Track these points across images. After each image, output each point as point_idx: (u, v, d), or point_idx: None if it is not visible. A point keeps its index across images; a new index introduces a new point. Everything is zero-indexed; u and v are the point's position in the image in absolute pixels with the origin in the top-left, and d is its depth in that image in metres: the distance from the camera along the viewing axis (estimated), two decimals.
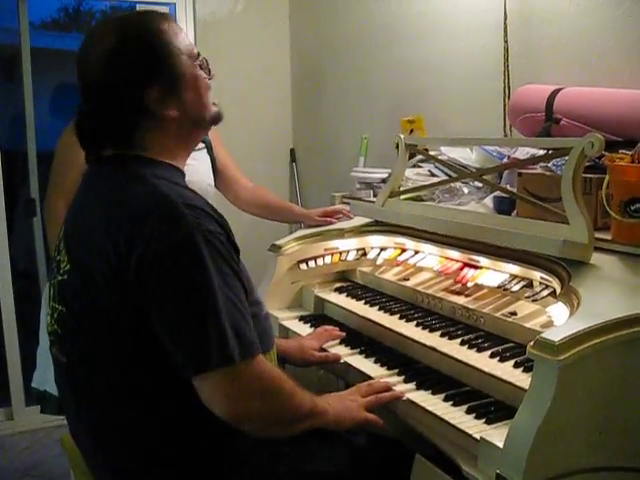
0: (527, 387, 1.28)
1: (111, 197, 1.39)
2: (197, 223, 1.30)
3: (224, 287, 1.30)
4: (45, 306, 1.55)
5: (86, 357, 1.41)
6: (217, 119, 1.59)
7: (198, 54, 1.54)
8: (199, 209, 1.33)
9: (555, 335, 1.24)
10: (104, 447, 1.47)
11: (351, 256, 2.37)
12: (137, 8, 3.86)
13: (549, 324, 1.57)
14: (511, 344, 1.67)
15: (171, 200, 1.32)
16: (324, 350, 1.94)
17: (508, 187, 2.04)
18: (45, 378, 2.52)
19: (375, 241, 2.37)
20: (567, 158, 1.65)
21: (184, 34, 1.53)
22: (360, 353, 1.90)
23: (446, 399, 1.55)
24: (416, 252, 2.21)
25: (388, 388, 1.64)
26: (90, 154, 1.51)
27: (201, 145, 2.55)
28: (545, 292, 1.69)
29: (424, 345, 1.77)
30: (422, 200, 2.36)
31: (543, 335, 1.26)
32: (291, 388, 1.41)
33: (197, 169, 2.48)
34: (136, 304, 1.31)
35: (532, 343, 1.26)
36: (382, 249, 2.33)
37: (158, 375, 1.36)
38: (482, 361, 1.61)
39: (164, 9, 3.89)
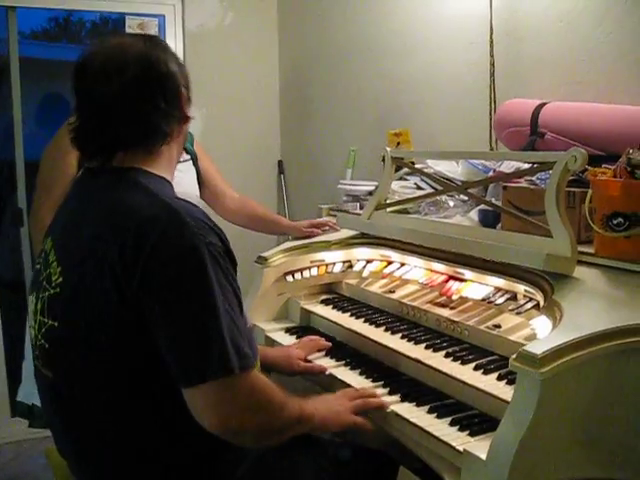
0: (510, 399, 1.29)
1: (114, 206, 1.38)
2: (200, 234, 1.31)
3: (224, 300, 1.30)
4: (30, 320, 1.51)
5: (76, 372, 1.39)
6: None
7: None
8: (201, 221, 1.34)
9: (537, 348, 1.25)
10: (89, 460, 1.46)
11: (337, 268, 2.38)
12: (127, 19, 3.86)
13: (533, 337, 1.58)
14: (495, 356, 1.68)
15: (176, 210, 1.33)
16: (309, 362, 1.94)
17: (493, 200, 2.05)
18: (33, 392, 2.48)
19: (361, 253, 2.38)
20: (551, 172, 1.67)
21: None
22: (345, 365, 1.90)
23: (430, 411, 1.56)
24: (402, 265, 2.22)
25: (375, 395, 1.65)
26: (90, 162, 1.51)
27: (186, 157, 2.56)
28: (529, 305, 1.70)
29: (409, 357, 1.77)
30: (408, 213, 2.37)
31: (525, 348, 1.27)
32: (280, 399, 1.41)
33: (183, 180, 2.49)
34: (137, 313, 1.30)
35: (514, 356, 1.27)
36: (368, 261, 2.34)
37: (149, 392, 1.36)
38: (466, 373, 1.62)
39: (153, 21, 3.91)
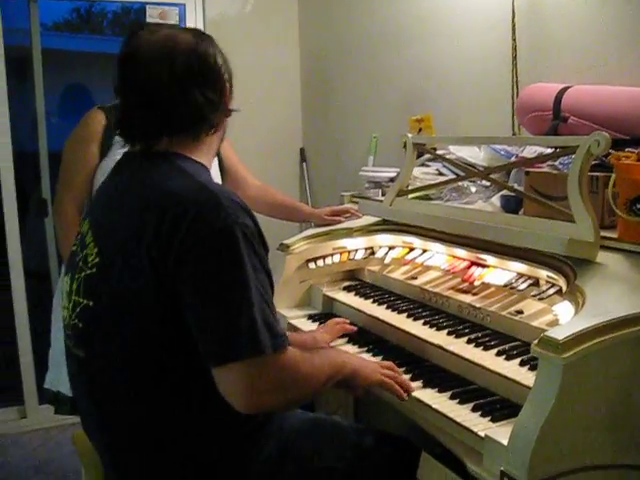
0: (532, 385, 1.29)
1: (152, 189, 1.41)
2: (236, 216, 1.34)
3: (256, 281, 1.33)
4: (63, 301, 1.55)
5: (107, 352, 1.41)
6: None
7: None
8: (237, 204, 1.37)
9: (559, 333, 1.24)
10: (116, 442, 1.48)
11: (359, 255, 2.38)
12: (147, 9, 3.86)
13: (555, 322, 1.57)
14: (517, 342, 1.68)
15: (214, 192, 1.37)
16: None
17: (516, 186, 2.04)
18: (58, 379, 2.52)
19: (383, 240, 2.38)
20: (574, 156, 1.66)
21: None
22: (368, 351, 1.90)
23: (452, 397, 1.56)
24: (424, 251, 2.22)
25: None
26: (132, 147, 1.55)
27: None
28: (551, 290, 1.69)
29: (431, 343, 1.77)
30: (430, 199, 2.36)
31: (547, 333, 1.26)
32: (308, 369, 1.42)
33: None
34: (171, 293, 1.32)
35: (536, 341, 1.27)
36: (390, 248, 2.34)
37: (181, 371, 1.38)
38: (488, 359, 1.62)
39: (174, 9, 3.91)
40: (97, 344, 1.44)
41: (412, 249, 2.27)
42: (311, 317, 2.24)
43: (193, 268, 1.31)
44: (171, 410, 1.40)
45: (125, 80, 1.51)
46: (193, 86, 1.47)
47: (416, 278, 2.18)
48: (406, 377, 1.69)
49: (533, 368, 1.50)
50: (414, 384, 1.66)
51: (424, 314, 1.96)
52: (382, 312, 2.05)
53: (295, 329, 2.19)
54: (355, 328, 2.03)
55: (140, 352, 1.38)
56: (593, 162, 1.69)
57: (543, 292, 1.70)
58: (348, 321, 2.06)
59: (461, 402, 1.53)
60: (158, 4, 3.88)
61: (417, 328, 1.88)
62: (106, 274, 1.41)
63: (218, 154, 2.60)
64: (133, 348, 1.38)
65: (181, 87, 1.46)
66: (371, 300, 2.17)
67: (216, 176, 2.58)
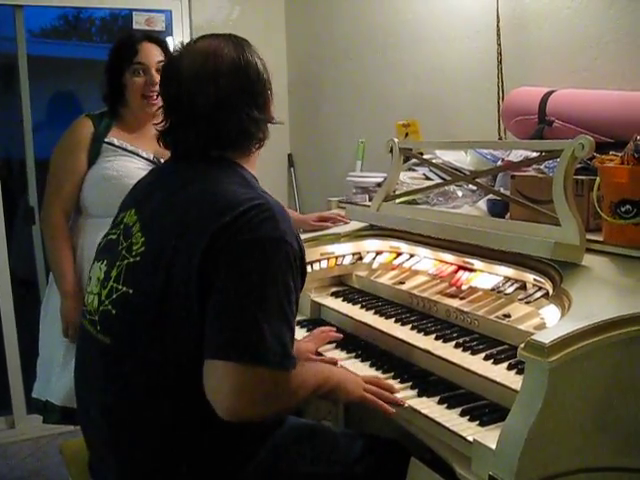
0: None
1: (214, 190, 1.44)
2: (285, 233, 1.38)
3: (284, 298, 1.35)
4: (91, 287, 1.56)
5: (137, 340, 1.41)
6: None
7: None
8: (288, 222, 1.41)
9: (545, 337, 1.24)
10: (119, 436, 1.46)
11: (347, 260, 2.38)
12: (134, 15, 3.87)
13: (542, 326, 1.58)
14: (505, 346, 1.68)
15: (270, 205, 1.40)
16: (320, 354, 1.94)
17: (502, 190, 2.04)
18: (47, 388, 2.50)
19: (370, 245, 2.38)
20: (558, 160, 1.66)
21: None
22: (356, 357, 1.90)
23: (440, 402, 1.56)
24: (411, 255, 2.22)
25: (393, 390, 1.64)
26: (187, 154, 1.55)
27: None
28: (538, 294, 1.69)
29: (419, 348, 1.77)
30: (417, 203, 2.37)
31: (533, 337, 1.26)
32: (296, 382, 1.41)
33: None
34: (208, 286, 1.34)
35: (523, 345, 1.27)
36: (378, 253, 2.34)
37: (197, 372, 1.35)
38: (476, 363, 1.62)
39: (161, 16, 3.91)
40: (127, 331, 1.43)
41: (399, 254, 2.27)
42: (299, 323, 2.23)
43: (234, 268, 1.34)
44: (177, 408, 1.40)
45: (168, 97, 1.53)
46: (238, 105, 1.49)
47: (404, 283, 2.18)
48: (394, 382, 1.69)
49: (520, 372, 1.49)
50: (401, 388, 1.65)
51: (412, 319, 1.96)
52: (370, 317, 2.05)
53: None
54: (341, 336, 2.02)
55: (167, 343, 1.38)
56: (578, 165, 1.70)
57: (530, 295, 1.71)
58: (334, 329, 2.05)
59: (449, 407, 1.53)
60: (145, 11, 3.89)
61: (405, 333, 1.88)
62: (151, 264, 1.42)
63: None
64: (162, 338, 1.38)
65: (227, 107, 1.47)
66: (359, 305, 2.17)
67: None
